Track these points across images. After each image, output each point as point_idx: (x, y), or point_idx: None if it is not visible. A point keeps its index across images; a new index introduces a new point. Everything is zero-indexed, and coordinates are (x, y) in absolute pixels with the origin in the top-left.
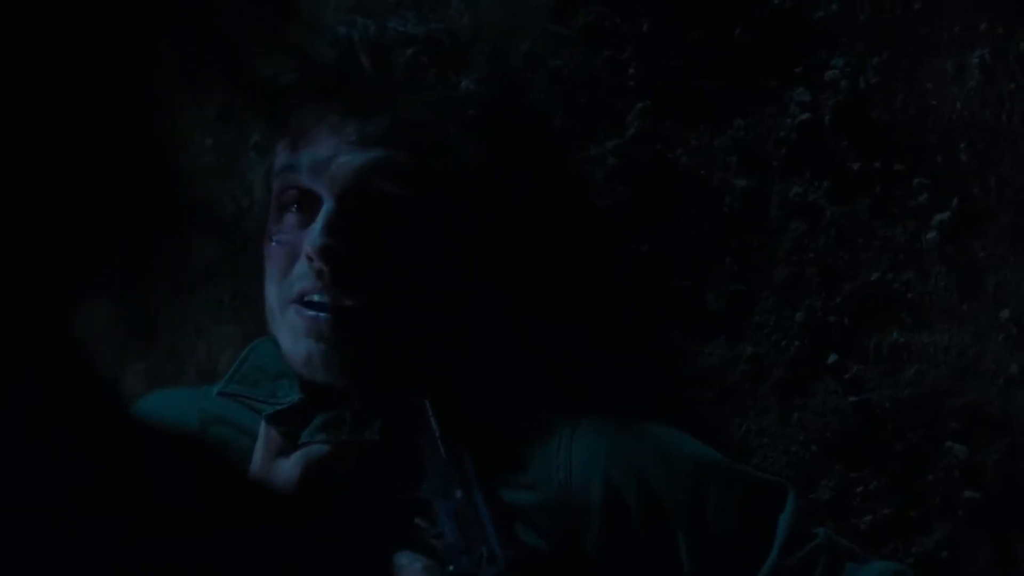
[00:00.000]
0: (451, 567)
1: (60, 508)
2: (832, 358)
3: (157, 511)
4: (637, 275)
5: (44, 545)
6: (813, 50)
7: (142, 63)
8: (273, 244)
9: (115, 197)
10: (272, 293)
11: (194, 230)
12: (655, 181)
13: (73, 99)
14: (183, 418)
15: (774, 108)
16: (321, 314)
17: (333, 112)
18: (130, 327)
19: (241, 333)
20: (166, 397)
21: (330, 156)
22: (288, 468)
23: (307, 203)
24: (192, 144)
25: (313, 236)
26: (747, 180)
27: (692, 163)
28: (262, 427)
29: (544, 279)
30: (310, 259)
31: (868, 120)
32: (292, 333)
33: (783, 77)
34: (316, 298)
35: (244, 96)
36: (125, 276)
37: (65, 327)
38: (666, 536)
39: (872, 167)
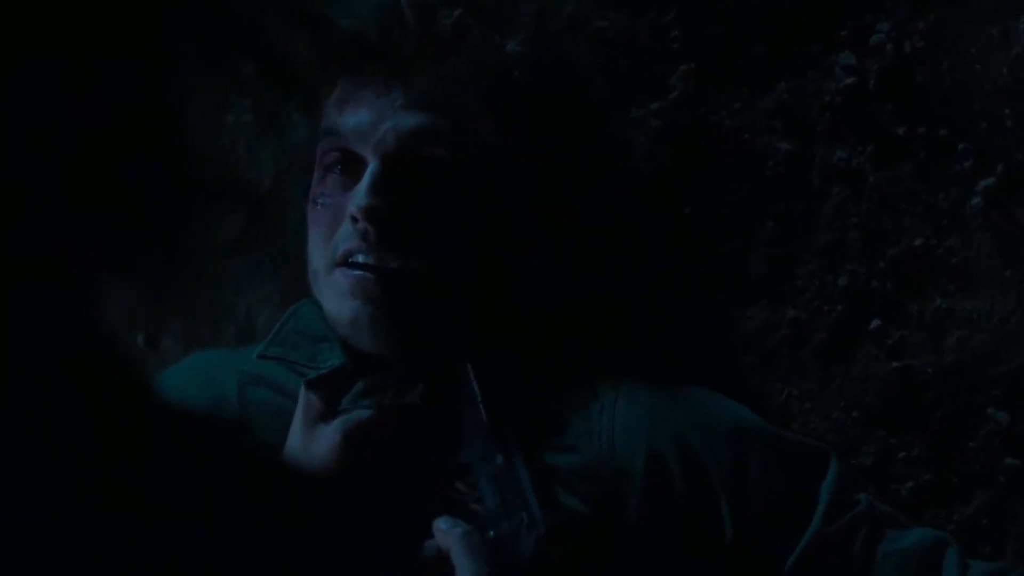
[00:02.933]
0: (491, 532)
1: (81, 501)
2: (874, 324)
3: (185, 496)
4: (679, 239)
5: (66, 534)
6: (858, 14)
7: (165, 30)
8: (317, 207)
9: (147, 159)
10: (317, 255)
11: (232, 190)
12: (698, 144)
13: (97, 63)
14: (221, 380)
15: (818, 72)
16: (368, 274)
17: (378, 74)
18: (168, 288)
19: (280, 294)
20: (204, 359)
21: (375, 119)
22: (329, 434)
23: (351, 165)
24: (230, 104)
25: (359, 197)
26: (790, 144)
27: (735, 127)
28: (302, 392)
29: (586, 242)
30: (355, 220)
31: (913, 85)
32: (339, 294)
33: (828, 41)
34: (361, 259)
35: (274, 72)
36: (161, 239)
37: (90, 310)
38: (708, 501)
39: (916, 132)
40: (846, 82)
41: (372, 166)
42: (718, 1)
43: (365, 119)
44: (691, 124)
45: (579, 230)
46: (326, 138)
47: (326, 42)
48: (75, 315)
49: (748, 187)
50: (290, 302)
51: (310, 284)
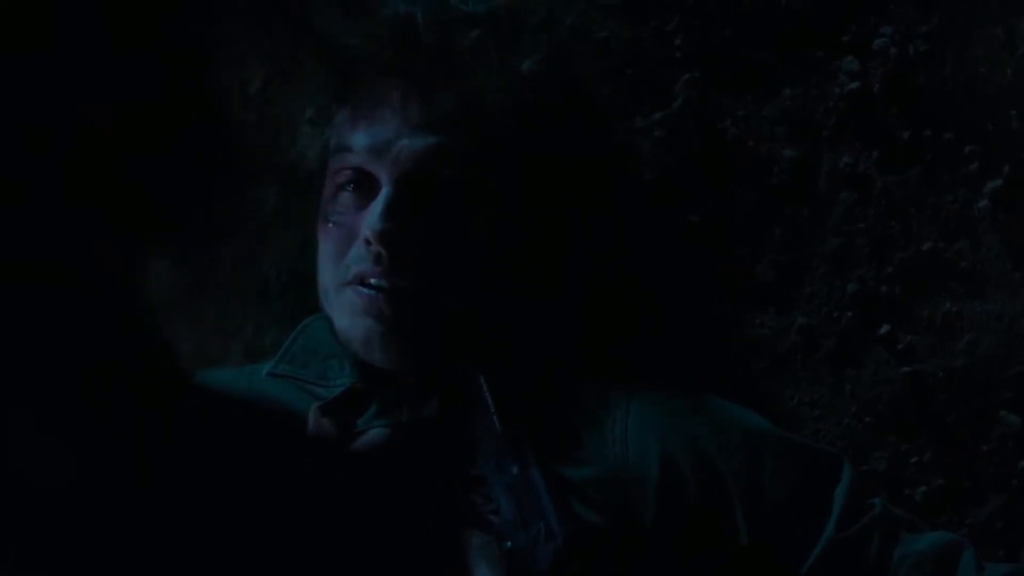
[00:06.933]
0: (508, 543)
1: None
2: (884, 328)
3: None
4: (687, 247)
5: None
6: (862, 18)
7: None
8: (329, 224)
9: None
10: (327, 274)
11: (239, 209)
12: (703, 152)
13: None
14: None
15: (823, 77)
16: (379, 293)
17: (395, 91)
18: (176, 306)
19: (288, 311)
20: (211, 379)
21: (391, 138)
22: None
23: (364, 183)
24: (235, 120)
25: (372, 220)
26: (796, 150)
27: (740, 134)
28: (312, 415)
29: (595, 252)
30: (368, 243)
31: (918, 88)
32: (350, 312)
33: (832, 46)
34: (374, 281)
35: (309, 54)
36: (172, 253)
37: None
38: (723, 507)
39: (922, 136)
40: (851, 87)
41: (386, 190)
42: (720, 8)
43: (380, 138)
44: (696, 132)
45: (587, 240)
46: (338, 154)
47: (340, 59)
48: (115, 306)
49: (755, 194)
50: (299, 319)
51: (320, 300)
